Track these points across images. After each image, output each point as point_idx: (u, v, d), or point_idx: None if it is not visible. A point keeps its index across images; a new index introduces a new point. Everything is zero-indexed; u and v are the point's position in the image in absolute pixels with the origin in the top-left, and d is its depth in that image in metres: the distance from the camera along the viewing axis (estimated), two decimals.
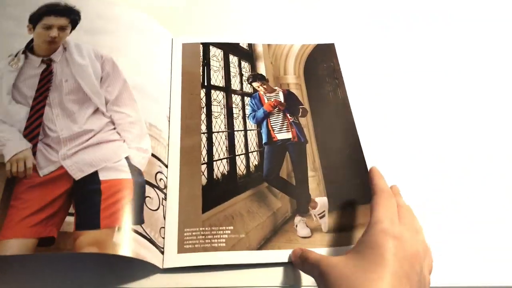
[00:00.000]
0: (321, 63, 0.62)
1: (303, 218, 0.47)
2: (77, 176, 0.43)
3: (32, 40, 0.51)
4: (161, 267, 0.42)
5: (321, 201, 0.48)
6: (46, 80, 0.48)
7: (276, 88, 0.59)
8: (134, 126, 0.48)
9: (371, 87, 0.60)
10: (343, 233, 0.46)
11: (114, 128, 0.47)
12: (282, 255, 0.44)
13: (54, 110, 0.47)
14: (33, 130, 0.45)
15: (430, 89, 0.62)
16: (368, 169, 0.48)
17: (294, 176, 0.50)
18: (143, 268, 0.42)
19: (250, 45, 0.63)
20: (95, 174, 0.44)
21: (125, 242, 0.40)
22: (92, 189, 0.43)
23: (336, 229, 0.46)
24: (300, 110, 0.57)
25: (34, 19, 0.52)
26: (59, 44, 0.51)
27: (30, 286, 0.41)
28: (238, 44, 0.62)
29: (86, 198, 0.42)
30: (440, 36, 0.69)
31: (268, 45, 0.63)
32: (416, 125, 0.57)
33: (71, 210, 0.41)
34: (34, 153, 0.44)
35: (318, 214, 0.47)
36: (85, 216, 0.41)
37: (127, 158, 0.45)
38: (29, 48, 0.50)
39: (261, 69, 0.61)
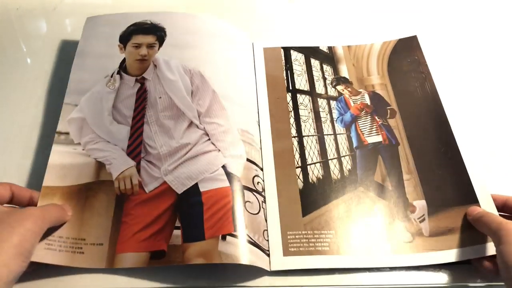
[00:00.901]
0: (405, 58, 0.61)
1: (403, 222, 0.47)
2: (180, 190, 0.46)
3: (124, 60, 0.54)
4: (268, 269, 0.43)
5: (420, 205, 0.48)
6: (142, 99, 0.51)
7: (361, 90, 0.58)
8: (226, 135, 0.50)
9: (460, 78, 0.58)
10: (446, 237, 0.45)
11: (209, 139, 0.49)
12: (386, 260, 0.44)
13: (152, 127, 0.49)
14: (135, 148, 0.48)
15: None
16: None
17: (389, 180, 0.50)
18: (250, 271, 0.43)
19: (329, 48, 0.63)
20: (195, 186, 0.46)
21: (231, 250, 0.42)
22: (194, 201, 0.45)
23: (438, 232, 0.46)
24: (388, 111, 0.56)
25: (124, 39, 0.55)
26: (149, 62, 0.53)
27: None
28: (318, 47, 0.63)
29: (189, 210, 0.44)
30: None
31: (348, 46, 0.63)
32: None
33: (178, 223, 0.44)
34: (138, 171, 0.46)
35: (418, 218, 0.47)
36: (190, 229, 0.43)
37: (223, 167, 0.47)
38: (123, 68, 0.53)
39: (344, 71, 0.61)
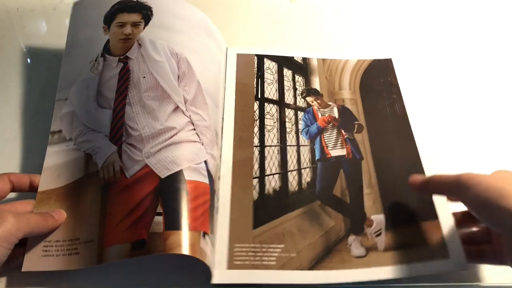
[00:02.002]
0: (378, 78, 0.60)
1: (358, 236, 0.45)
2: (163, 174, 0.42)
3: (108, 41, 0.50)
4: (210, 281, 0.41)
5: (377, 219, 0.46)
6: (124, 79, 0.48)
7: (330, 103, 0.57)
8: (208, 131, 0.48)
9: (431, 102, 0.58)
10: (402, 251, 0.43)
11: (194, 129, 0.47)
12: (334, 276, 0.42)
13: (134, 108, 0.46)
14: (117, 131, 0.45)
15: (493, 102, 0.59)
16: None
17: (349, 194, 0.48)
18: (189, 283, 0.42)
19: (304, 59, 0.62)
20: (180, 173, 0.42)
21: (208, 251, 0.40)
22: (179, 188, 0.41)
23: (394, 247, 0.44)
24: (356, 126, 0.55)
25: (108, 19, 0.51)
26: (134, 41, 0.50)
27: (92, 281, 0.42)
28: (292, 57, 0.62)
29: (174, 197, 0.41)
30: (500, 48, 0.65)
31: (323, 59, 0.62)
32: (480, 140, 0.54)
33: (159, 209, 0.40)
34: (120, 155, 0.43)
35: (374, 233, 0.45)
36: (174, 215, 0.40)
37: (205, 162, 0.45)
38: (106, 50, 0.50)
39: (316, 83, 0.59)
